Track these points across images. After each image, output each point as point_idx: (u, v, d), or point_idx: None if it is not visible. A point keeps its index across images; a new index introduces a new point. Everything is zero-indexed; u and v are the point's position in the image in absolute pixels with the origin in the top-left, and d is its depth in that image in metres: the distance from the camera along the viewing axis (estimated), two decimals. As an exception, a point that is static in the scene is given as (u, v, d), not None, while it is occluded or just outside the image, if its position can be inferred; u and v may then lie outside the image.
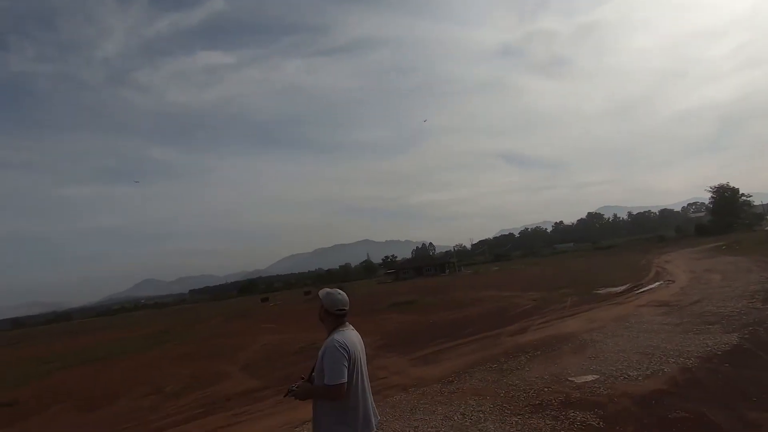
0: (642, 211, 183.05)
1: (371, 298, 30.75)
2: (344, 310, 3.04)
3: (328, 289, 3.16)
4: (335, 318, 3.00)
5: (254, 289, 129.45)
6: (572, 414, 4.91)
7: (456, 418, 5.32)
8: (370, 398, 3.01)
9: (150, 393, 10.25)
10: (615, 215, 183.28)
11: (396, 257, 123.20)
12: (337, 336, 2.91)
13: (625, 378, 6.00)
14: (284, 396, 2.95)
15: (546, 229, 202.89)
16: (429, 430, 5.06)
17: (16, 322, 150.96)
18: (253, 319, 29.78)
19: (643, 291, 15.75)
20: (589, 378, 6.15)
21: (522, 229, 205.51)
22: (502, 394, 5.98)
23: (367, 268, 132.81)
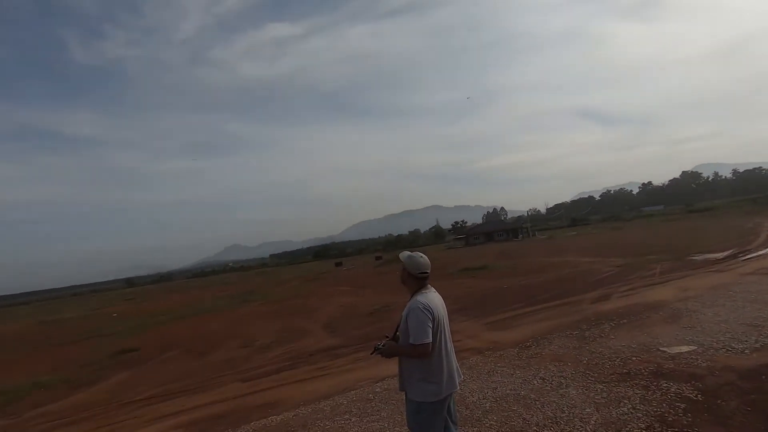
0: (751, 168, 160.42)
1: (441, 262, 30.82)
2: (426, 273, 3.08)
3: (409, 253, 3.21)
4: (418, 281, 3.06)
5: (328, 254, 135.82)
6: (665, 384, 4.63)
7: (535, 382, 5.27)
8: (454, 358, 3.07)
9: (243, 345, 11.38)
10: (716, 173, 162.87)
11: (466, 222, 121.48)
12: (420, 298, 2.97)
13: (728, 350, 5.49)
14: (371, 353, 3.10)
15: (631, 191, 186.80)
16: (508, 391, 5.07)
17: (129, 282, 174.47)
18: (328, 282, 31.44)
19: (750, 258, 14.06)
20: (685, 349, 5.72)
21: (603, 191, 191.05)
22: (584, 361, 5.78)
23: (436, 233, 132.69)
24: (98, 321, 26.06)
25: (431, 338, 2.84)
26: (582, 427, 3.93)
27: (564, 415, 4.23)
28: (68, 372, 11.00)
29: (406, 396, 3.02)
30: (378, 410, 5.12)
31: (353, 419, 4.97)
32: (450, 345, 3.06)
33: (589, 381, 5.06)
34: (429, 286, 3.11)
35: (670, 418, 3.88)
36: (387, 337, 3.15)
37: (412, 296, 3.05)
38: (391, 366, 6.66)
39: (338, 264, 64.01)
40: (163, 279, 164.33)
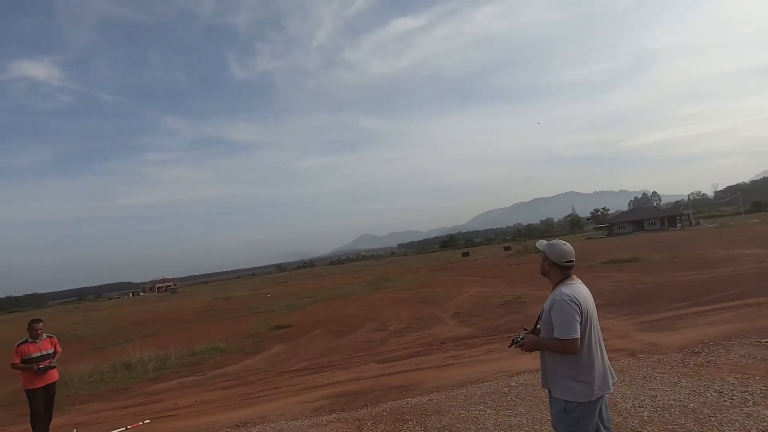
0: None
1: (580, 254, 28.03)
2: (572, 261, 2.83)
3: (550, 240, 2.98)
4: (562, 270, 2.82)
5: (454, 244, 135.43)
6: None
7: (709, 394, 4.46)
8: (606, 356, 2.77)
9: (378, 329, 12.06)
10: None
11: (607, 210, 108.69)
12: (566, 289, 2.74)
13: None
14: (509, 346, 2.97)
15: None
16: (671, 402, 4.40)
17: (279, 267, 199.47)
18: (456, 272, 31.31)
19: None
20: None
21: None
22: (779, 376, 4.70)
23: (573, 222, 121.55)
24: (257, 300, 30.35)
25: (579, 333, 2.60)
26: (779, 455, 3.20)
27: (752, 437, 3.50)
28: (238, 341, 13.06)
29: (550, 394, 2.83)
30: (515, 405, 4.93)
31: (488, 411, 4.87)
32: (602, 342, 2.77)
33: (787, 400, 4.09)
34: (574, 276, 2.86)
35: None
36: (525, 329, 2.99)
37: (554, 287, 2.84)
38: (527, 361, 6.39)
39: (465, 254, 63.31)
40: (306, 265, 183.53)
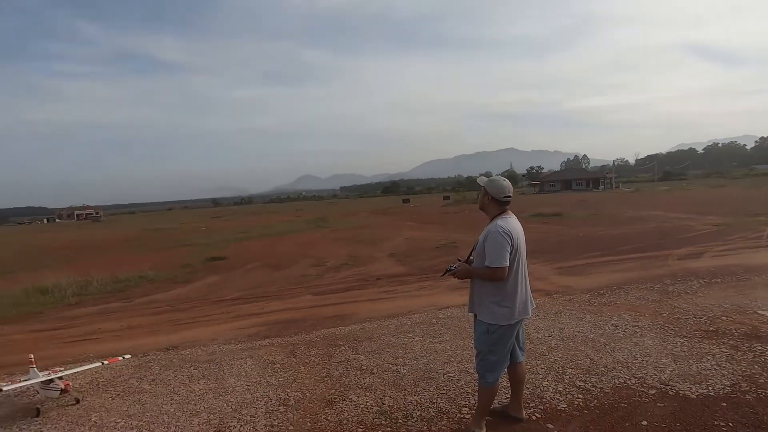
0: None
1: (512, 206, 29.82)
2: (509, 197, 2.95)
3: (490, 177, 3.08)
4: (500, 205, 2.95)
5: (396, 191, 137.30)
6: (759, 347, 4.23)
7: (607, 327, 5.08)
8: (528, 286, 3.01)
9: (315, 264, 12.20)
10: None
11: (542, 168, 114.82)
12: (501, 222, 2.88)
13: None
14: (442, 275, 3.12)
15: (744, 145, 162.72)
16: (575, 332, 4.96)
17: (215, 201, 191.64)
18: (396, 217, 32.03)
19: None
20: (790, 315, 5.14)
21: (708, 144, 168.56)
22: (665, 315, 5.44)
23: (510, 177, 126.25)
24: (190, 233, 29.21)
25: (508, 262, 2.77)
26: (656, 375, 3.77)
27: (636, 361, 4.07)
28: (169, 271, 12.64)
29: (475, 318, 3.05)
30: (441, 333, 5.30)
31: (416, 338, 5.20)
32: (526, 272, 2.99)
33: (668, 334, 4.77)
34: (510, 212, 3.00)
35: (761, 380, 3.58)
36: (459, 260, 3.14)
37: (491, 220, 2.97)
38: (454, 297, 6.82)
39: (406, 201, 64.68)
40: (244, 202, 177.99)
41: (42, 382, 3.79)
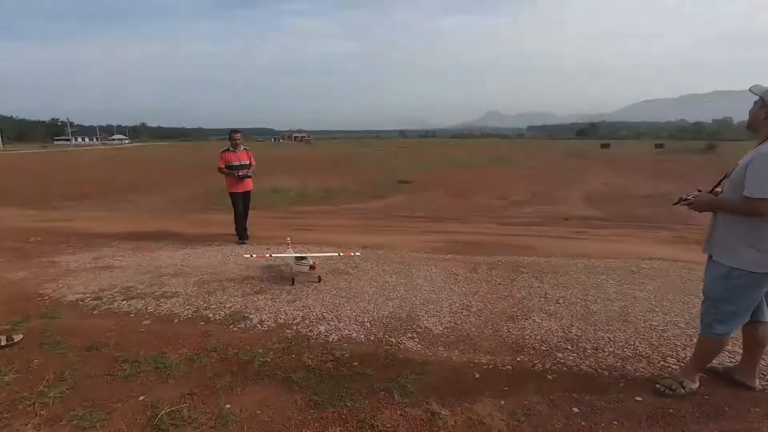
0: None
1: None
2: (794, 113, 2.22)
3: (770, 86, 2.35)
4: (780, 122, 2.25)
5: (594, 134, 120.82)
6: None
7: None
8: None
9: (498, 197, 12.01)
10: None
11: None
12: (778, 145, 2.21)
13: None
14: (675, 203, 2.63)
15: None
16: None
17: (402, 133, 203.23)
18: (592, 161, 28.49)
19: None
20: None
21: None
22: None
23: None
24: (381, 159, 31.95)
25: (778, 195, 2.15)
26: None
27: None
28: (364, 187, 14.26)
29: (710, 258, 2.54)
30: (642, 282, 4.67)
31: (610, 281, 4.71)
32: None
33: None
34: (789, 134, 2.27)
35: None
36: (699, 190, 2.59)
37: (763, 142, 2.31)
38: (663, 249, 5.84)
39: (605, 146, 56.49)
40: (429, 135, 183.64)
41: (296, 258, 4.66)
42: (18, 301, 4.17)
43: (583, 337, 3.34)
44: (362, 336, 3.40)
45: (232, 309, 3.93)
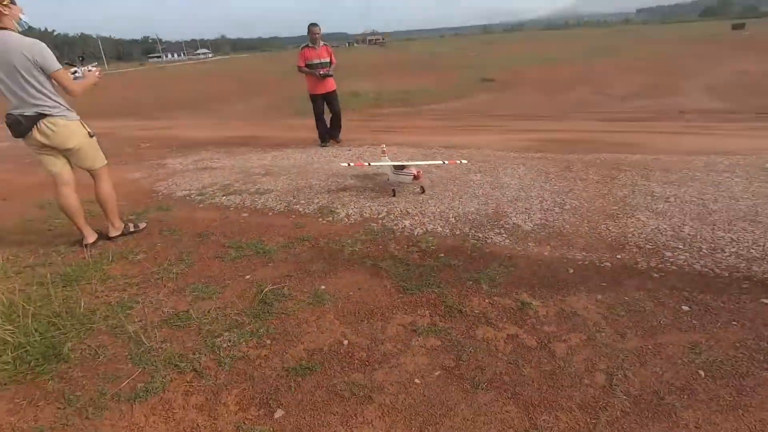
0: None
1: None
2: None
3: None
4: None
5: (724, 13, 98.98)
6: None
7: None
8: None
9: (596, 92, 10.63)
10: None
11: None
12: None
13: None
14: None
15: None
16: None
17: (485, 29, 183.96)
18: (721, 46, 23.70)
19: None
20: None
21: None
22: None
23: None
24: (462, 58, 29.55)
25: None
26: None
27: None
28: (446, 87, 13.45)
29: None
30: (776, 179, 3.96)
31: (736, 179, 4.05)
32: None
33: None
34: None
35: None
36: None
37: None
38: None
39: (738, 26, 46.18)
40: (515, 29, 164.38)
41: (395, 167, 4.17)
42: (138, 197, 4.73)
43: (698, 237, 2.97)
44: (447, 231, 3.36)
45: (320, 204, 4.08)
